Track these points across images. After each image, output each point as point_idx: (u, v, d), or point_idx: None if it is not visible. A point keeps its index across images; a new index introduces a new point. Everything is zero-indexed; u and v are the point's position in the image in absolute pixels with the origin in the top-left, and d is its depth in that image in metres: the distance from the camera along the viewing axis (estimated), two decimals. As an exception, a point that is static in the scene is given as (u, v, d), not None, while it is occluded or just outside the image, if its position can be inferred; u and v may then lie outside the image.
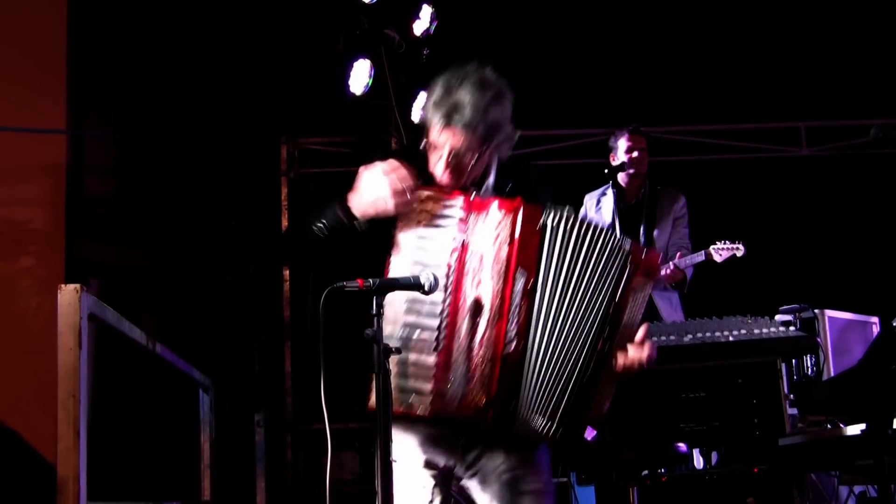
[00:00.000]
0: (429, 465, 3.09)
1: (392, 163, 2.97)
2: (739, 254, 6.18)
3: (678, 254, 6.16)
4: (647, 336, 3.01)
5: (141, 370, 7.39)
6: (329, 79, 7.62)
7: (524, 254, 2.91)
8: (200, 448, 5.75)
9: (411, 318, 2.94)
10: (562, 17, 8.66)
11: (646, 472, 4.64)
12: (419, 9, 7.66)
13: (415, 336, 2.92)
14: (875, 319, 5.94)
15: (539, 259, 2.92)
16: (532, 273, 2.91)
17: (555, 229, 2.93)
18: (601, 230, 2.95)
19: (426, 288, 2.86)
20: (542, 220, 2.94)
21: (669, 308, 6.15)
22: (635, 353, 2.98)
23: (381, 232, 3.02)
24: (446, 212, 3.00)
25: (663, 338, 4.51)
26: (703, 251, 6.18)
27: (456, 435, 3.08)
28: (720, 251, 6.15)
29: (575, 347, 2.93)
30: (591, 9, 8.69)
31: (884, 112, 8.66)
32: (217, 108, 8.43)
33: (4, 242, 7.47)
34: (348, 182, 3.08)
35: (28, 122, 7.22)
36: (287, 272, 8.62)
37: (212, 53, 8.28)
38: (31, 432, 6.36)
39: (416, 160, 3.10)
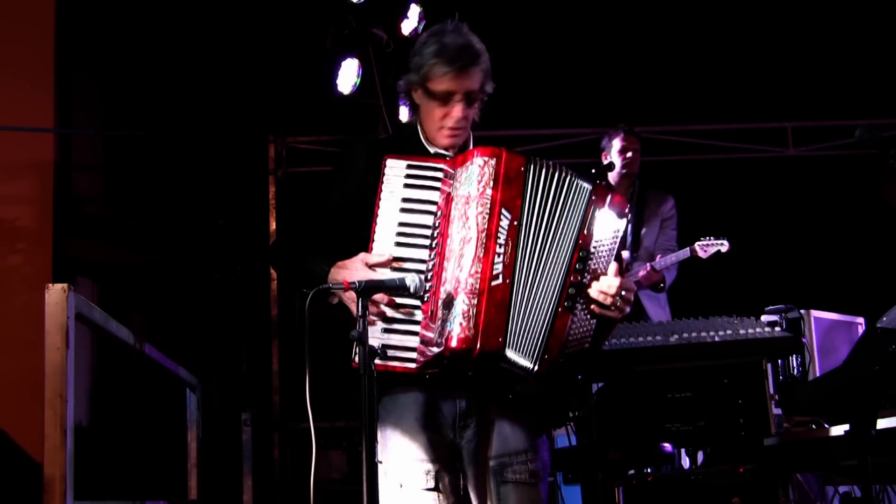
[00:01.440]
0: (428, 447, 3.03)
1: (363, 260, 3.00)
2: (724, 249, 6.20)
3: (658, 255, 6.18)
4: (622, 273, 3.03)
5: (128, 369, 7.39)
6: (317, 78, 7.62)
7: (508, 194, 2.95)
8: (187, 447, 5.74)
9: (399, 273, 2.97)
10: (550, 16, 8.66)
11: (632, 471, 4.66)
12: (407, 8, 7.66)
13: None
14: (861, 320, 5.94)
15: (522, 200, 2.97)
16: (516, 213, 2.96)
17: (535, 173, 2.99)
18: (571, 173, 3.03)
19: (411, 290, 2.87)
20: (523, 165, 2.99)
21: (657, 307, 6.16)
22: (604, 285, 3.00)
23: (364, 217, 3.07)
24: (429, 174, 3.08)
25: (649, 338, 4.52)
26: (687, 248, 6.20)
27: (448, 405, 3.07)
28: (705, 247, 6.18)
29: (549, 283, 2.96)
30: (579, 8, 8.69)
31: (869, 113, 8.71)
32: (205, 106, 8.43)
33: (-8, 240, 7.44)
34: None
35: (16, 120, 7.17)
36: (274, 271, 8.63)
37: (200, 52, 8.27)
38: (19, 431, 6.37)
39: (406, 142, 3.21)
